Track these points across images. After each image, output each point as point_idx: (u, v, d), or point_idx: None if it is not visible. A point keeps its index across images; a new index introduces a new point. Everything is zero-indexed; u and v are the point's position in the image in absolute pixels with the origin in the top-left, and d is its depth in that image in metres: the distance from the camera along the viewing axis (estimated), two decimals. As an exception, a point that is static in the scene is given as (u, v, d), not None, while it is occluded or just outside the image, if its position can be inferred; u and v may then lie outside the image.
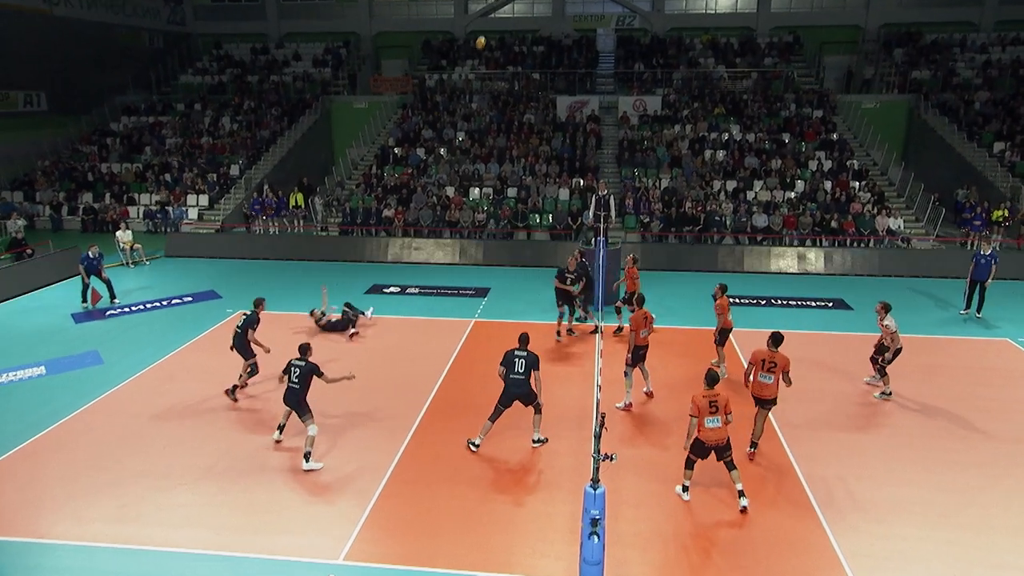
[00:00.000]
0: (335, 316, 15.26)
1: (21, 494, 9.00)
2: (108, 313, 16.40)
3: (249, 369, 11.96)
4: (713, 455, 8.50)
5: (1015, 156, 25.46)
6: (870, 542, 7.97)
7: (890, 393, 11.71)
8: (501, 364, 9.89)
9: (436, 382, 12.35)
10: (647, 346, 11.36)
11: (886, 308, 11.60)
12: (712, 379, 8.58)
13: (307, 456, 9.52)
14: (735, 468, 8.52)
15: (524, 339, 10.00)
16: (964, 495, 8.91)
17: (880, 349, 11.81)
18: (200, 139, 29.57)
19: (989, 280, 15.75)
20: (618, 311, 15.10)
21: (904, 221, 22.63)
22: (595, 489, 6.20)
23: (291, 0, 36.93)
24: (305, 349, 9.83)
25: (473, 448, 9.95)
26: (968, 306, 16.25)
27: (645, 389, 11.80)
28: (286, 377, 9.71)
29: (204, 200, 26.03)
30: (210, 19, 37.65)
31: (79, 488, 9.08)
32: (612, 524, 7.88)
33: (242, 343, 11.71)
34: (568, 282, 14.25)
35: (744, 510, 8.44)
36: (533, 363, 9.75)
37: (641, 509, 8.56)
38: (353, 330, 14.88)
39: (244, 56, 35.63)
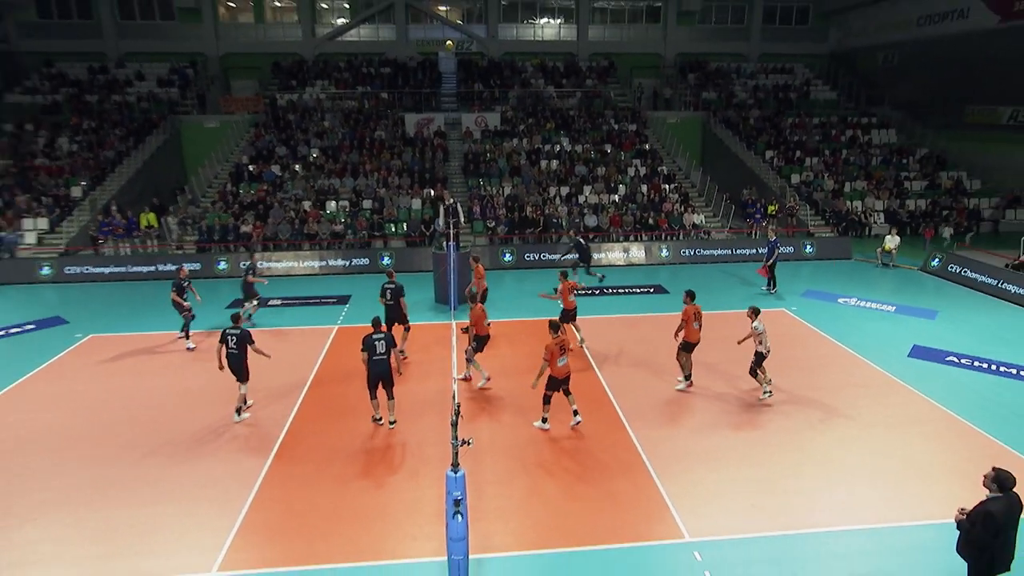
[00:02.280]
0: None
1: None
2: (-64, 347, 14.14)
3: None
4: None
5: (780, 161, 28.61)
6: (688, 486, 8.65)
7: (770, 392, 11.20)
8: (362, 350, 9.89)
9: (303, 389, 11.83)
10: (487, 336, 11.82)
11: (755, 312, 10.98)
12: (555, 326, 9.85)
13: (238, 410, 10.55)
14: (571, 394, 10.11)
15: (377, 322, 10.31)
16: (756, 440, 9.90)
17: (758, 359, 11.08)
18: (35, 160, 26.13)
19: (772, 261, 17.59)
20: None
21: (705, 217, 24.71)
22: (455, 472, 6.21)
23: (130, 20, 33.47)
24: (237, 318, 10.66)
25: (377, 421, 10.36)
26: (767, 285, 17.98)
27: (465, 375, 12.13)
28: (223, 347, 10.34)
29: (44, 223, 23.06)
30: (38, 36, 32.85)
31: (-90, 537, 7.75)
32: (476, 502, 7.96)
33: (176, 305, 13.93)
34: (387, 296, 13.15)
35: (576, 425, 10.11)
36: (391, 342, 10.03)
37: (501, 486, 8.70)
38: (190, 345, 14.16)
39: (80, 75, 31.76)
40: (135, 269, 20.57)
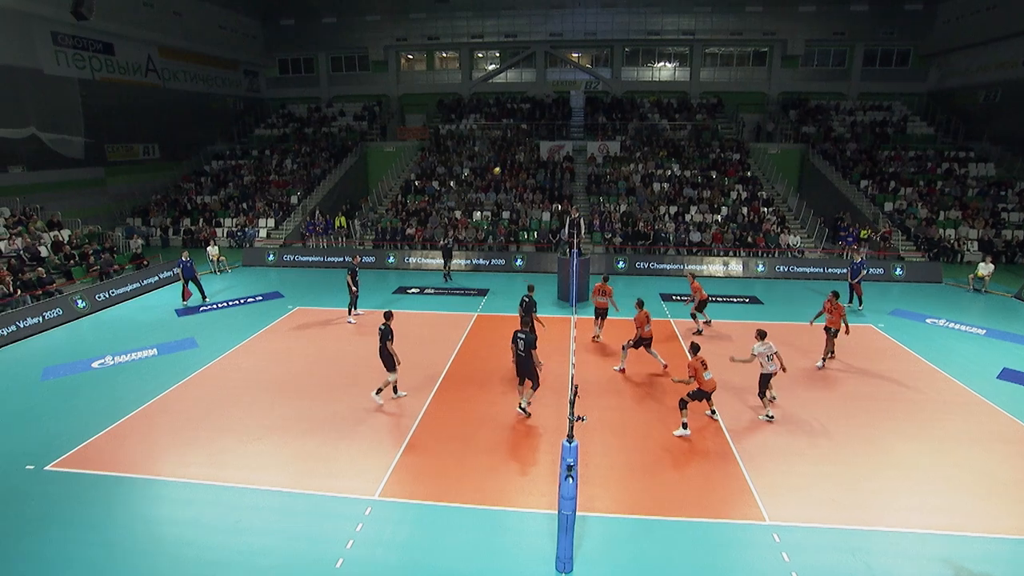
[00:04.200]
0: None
1: (139, 444, 8.98)
2: (201, 309, 16.27)
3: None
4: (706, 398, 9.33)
5: (875, 190, 25.72)
6: (772, 476, 8.10)
7: (771, 417, 9.73)
8: (512, 343, 9.57)
9: (447, 362, 12.25)
10: (650, 338, 11.48)
11: (760, 335, 9.59)
12: (695, 348, 9.25)
13: (379, 391, 10.16)
14: (711, 400, 9.51)
15: (524, 321, 10.08)
16: (838, 441, 9.05)
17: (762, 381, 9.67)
18: (269, 177, 29.32)
19: (857, 280, 15.92)
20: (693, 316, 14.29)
21: (800, 238, 22.82)
22: (570, 443, 6.20)
23: (338, 72, 36.79)
24: (389, 316, 10.08)
25: (524, 411, 9.66)
26: (850, 301, 16.27)
27: (663, 364, 11.65)
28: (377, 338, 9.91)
29: (271, 223, 25.82)
30: (278, 87, 37.49)
31: (181, 440, 9.06)
32: (583, 469, 7.95)
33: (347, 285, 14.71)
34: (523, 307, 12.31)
35: (713, 413, 9.69)
36: (530, 343, 9.35)
37: (605, 457, 8.60)
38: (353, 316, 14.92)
39: (302, 114, 35.29)
40: (330, 259, 22.35)
